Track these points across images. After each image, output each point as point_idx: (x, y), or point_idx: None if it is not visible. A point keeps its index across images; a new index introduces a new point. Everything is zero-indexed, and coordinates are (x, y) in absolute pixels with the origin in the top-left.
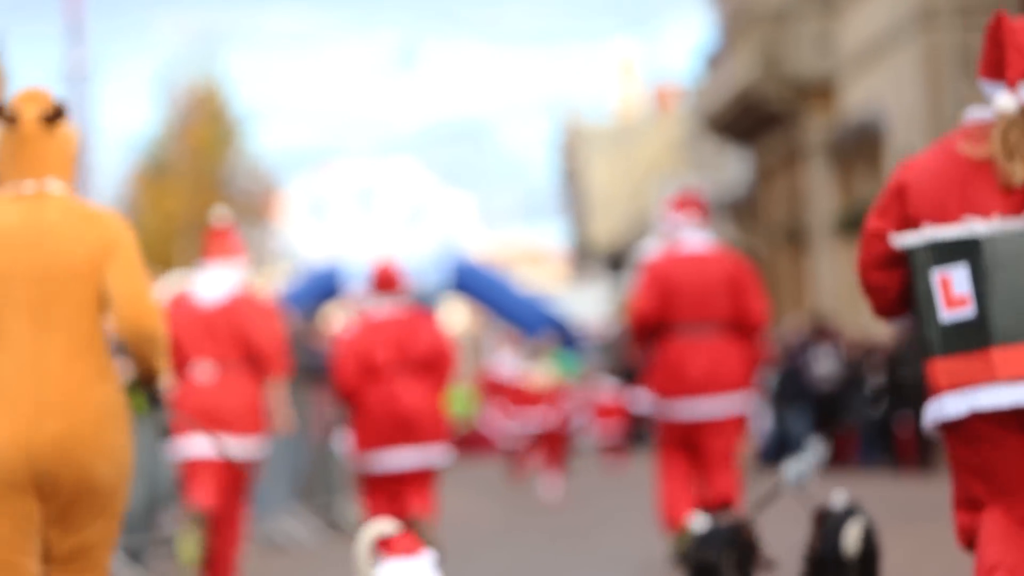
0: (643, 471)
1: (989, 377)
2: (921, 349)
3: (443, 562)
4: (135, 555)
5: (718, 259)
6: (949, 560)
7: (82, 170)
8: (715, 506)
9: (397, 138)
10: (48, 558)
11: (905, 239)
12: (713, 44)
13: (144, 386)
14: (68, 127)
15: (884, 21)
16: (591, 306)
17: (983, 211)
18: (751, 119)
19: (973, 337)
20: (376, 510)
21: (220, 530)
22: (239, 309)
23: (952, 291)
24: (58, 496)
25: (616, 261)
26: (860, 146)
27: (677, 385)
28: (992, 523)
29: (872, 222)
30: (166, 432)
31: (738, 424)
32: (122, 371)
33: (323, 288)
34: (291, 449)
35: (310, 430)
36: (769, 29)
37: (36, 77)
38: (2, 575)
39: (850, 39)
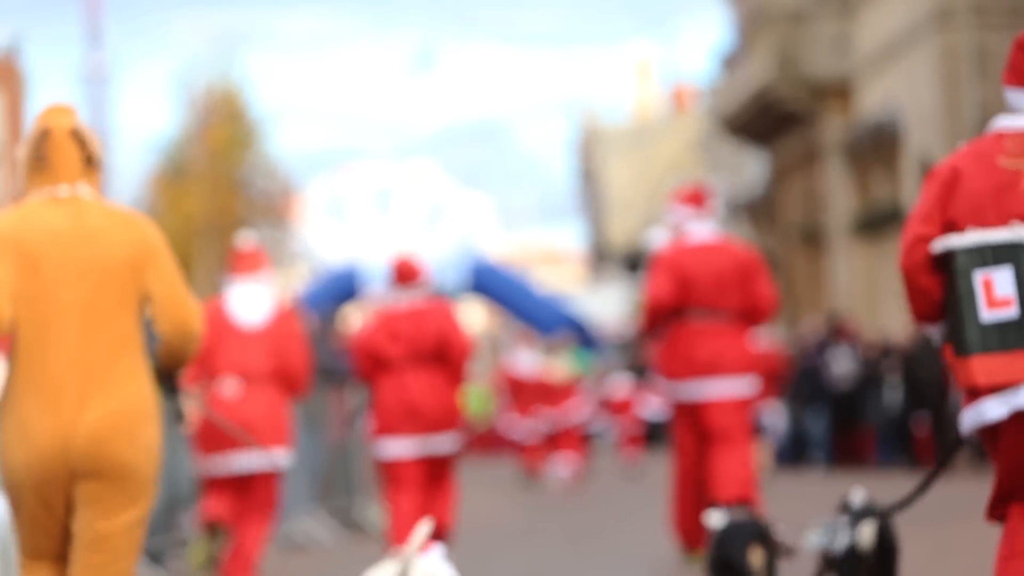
0: (658, 471)
1: None
2: (955, 349)
3: (462, 562)
4: (155, 557)
5: (727, 248)
6: (966, 561)
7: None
8: (733, 502)
9: (415, 139)
10: (81, 543)
11: (948, 241)
12: (729, 45)
13: (163, 377)
14: (94, 137)
15: (901, 21)
16: (608, 306)
17: (1022, 218)
18: (767, 120)
19: (1015, 337)
20: (394, 498)
21: (243, 536)
22: (278, 332)
23: (995, 292)
24: (94, 483)
25: (633, 262)
26: (877, 146)
27: (686, 367)
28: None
29: (917, 228)
30: (180, 417)
31: (745, 406)
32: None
33: (341, 289)
34: (310, 450)
35: (328, 431)
36: (786, 30)
37: (55, 79)
38: (35, 559)
39: (866, 39)
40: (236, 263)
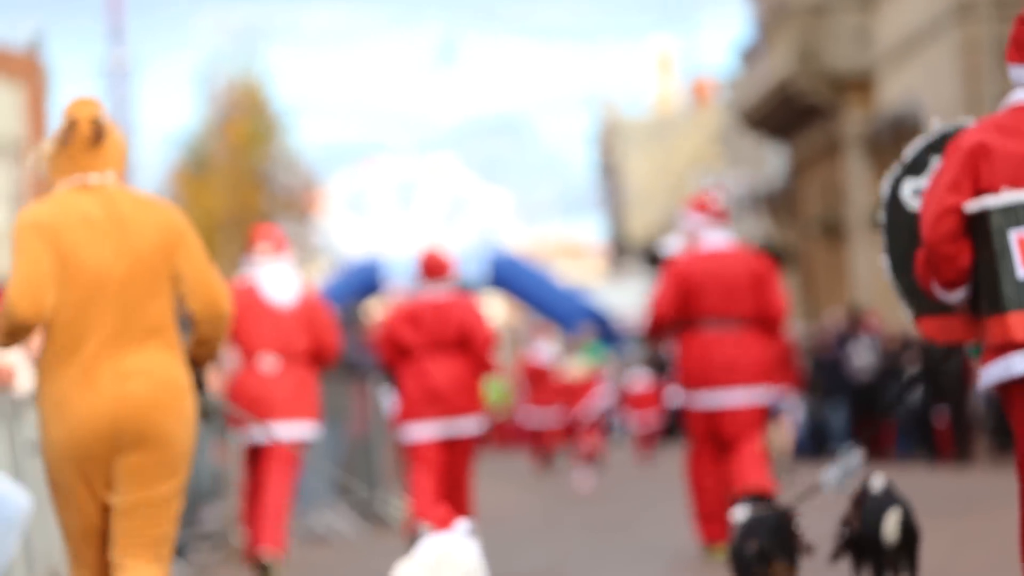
0: (676, 463)
1: None
2: (991, 306)
3: (483, 553)
4: (178, 550)
5: (739, 256)
6: (987, 553)
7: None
8: (755, 496)
9: (436, 133)
10: (120, 510)
11: (983, 202)
12: (750, 38)
13: (194, 368)
14: (117, 130)
15: (921, 14)
16: (628, 299)
17: None
18: (788, 113)
19: None
20: (417, 479)
21: (274, 497)
22: (310, 311)
23: None
24: (136, 455)
25: (653, 255)
26: (898, 139)
27: (702, 377)
28: None
29: (944, 198)
30: (207, 413)
31: (760, 414)
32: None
33: (363, 283)
34: (331, 443)
35: (350, 424)
36: (806, 23)
37: (77, 74)
38: (90, 531)
39: (887, 32)
40: (259, 240)
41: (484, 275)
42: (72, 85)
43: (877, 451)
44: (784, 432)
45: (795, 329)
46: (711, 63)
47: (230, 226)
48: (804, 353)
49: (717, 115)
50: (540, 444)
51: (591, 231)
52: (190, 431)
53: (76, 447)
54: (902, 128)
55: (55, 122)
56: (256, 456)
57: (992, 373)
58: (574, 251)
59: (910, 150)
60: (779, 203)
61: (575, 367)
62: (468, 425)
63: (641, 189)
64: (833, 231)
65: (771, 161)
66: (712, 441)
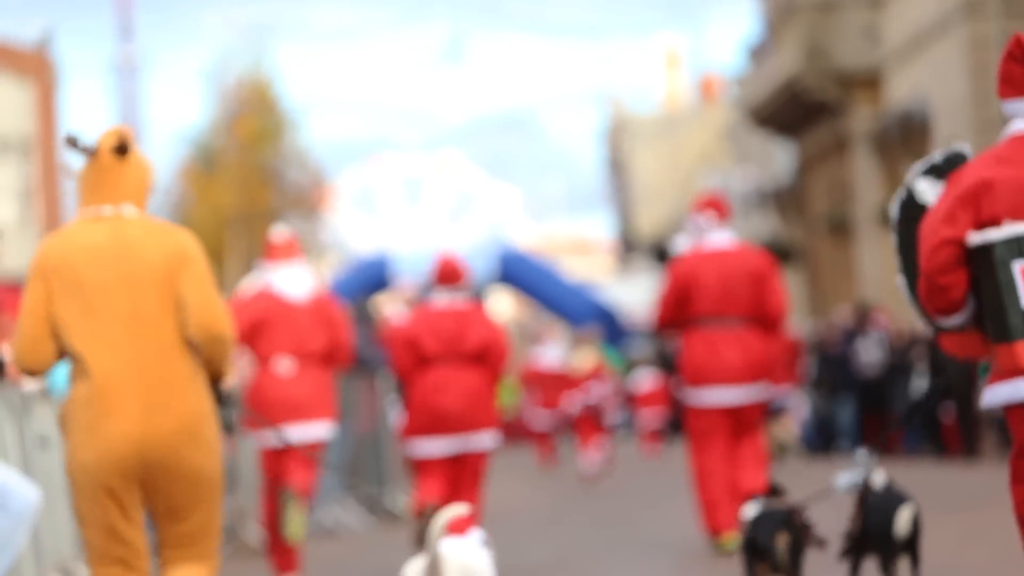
0: (682, 459)
1: None
2: (999, 336)
3: (492, 548)
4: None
5: (740, 255)
6: (994, 548)
7: None
8: (766, 492)
9: (444, 130)
10: (163, 544)
11: (986, 235)
12: (758, 36)
13: (212, 385)
14: (141, 159)
15: (929, 11)
16: (636, 296)
17: None
18: (795, 110)
19: None
20: (426, 491)
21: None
22: (325, 310)
23: None
24: (166, 487)
25: (660, 251)
26: (905, 136)
27: (703, 375)
28: None
29: (941, 231)
30: (231, 428)
31: (761, 411)
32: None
33: (372, 278)
34: (340, 439)
35: (358, 420)
36: (814, 20)
37: (87, 71)
38: (113, 546)
39: (895, 29)
40: (273, 251)
41: (492, 272)
42: (82, 82)
43: (884, 447)
44: (787, 429)
45: (802, 326)
46: (719, 60)
47: (239, 223)
48: (811, 349)
49: (724, 112)
50: (546, 444)
51: (599, 227)
52: (216, 458)
53: (107, 469)
54: (910, 125)
55: (64, 119)
56: (274, 457)
57: (1000, 393)
58: (582, 247)
59: (913, 174)
60: (787, 200)
61: (581, 362)
62: (482, 440)
63: (649, 185)
64: (840, 228)
65: (779, 158)
66: (714, 436)
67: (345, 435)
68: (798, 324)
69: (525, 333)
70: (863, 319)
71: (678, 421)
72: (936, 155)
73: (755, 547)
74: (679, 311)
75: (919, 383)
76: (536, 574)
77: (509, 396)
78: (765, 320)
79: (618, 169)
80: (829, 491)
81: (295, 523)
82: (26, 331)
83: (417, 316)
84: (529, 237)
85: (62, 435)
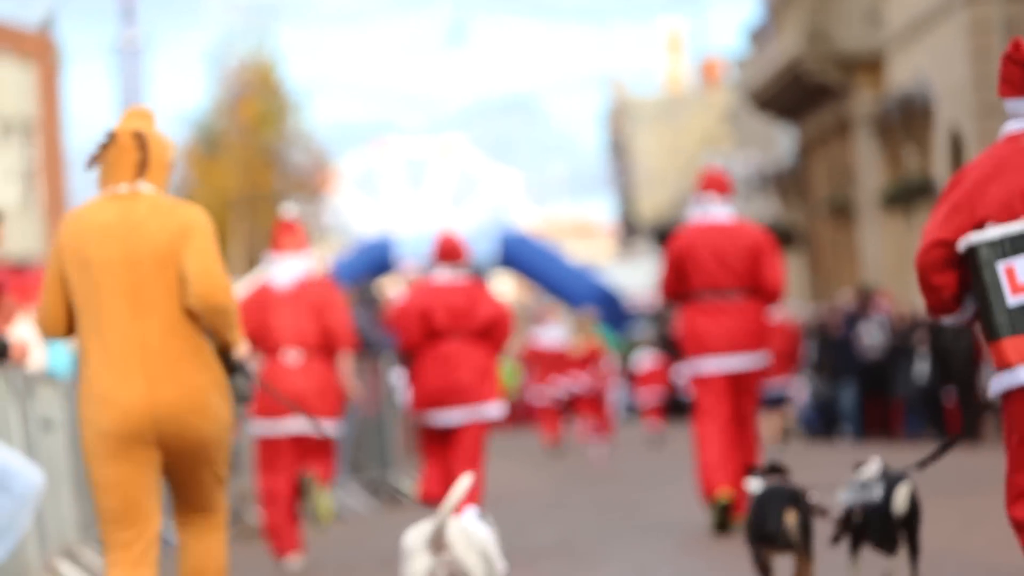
0: (683, 443)
1: None
2: (987, 335)
3: (492, 525)
4: None
5: (738, 229)
6: (996, 531)
7: None
8: (768, 469)
9: (447, 113)
10: (178, 508)
11: (971, 238)
12: (759, 19)
13: (222, 356)
14: (161, 138)
15: None
16: (638, 279)
17: None
18: (796, 93)
19: None
20: (431, 461)
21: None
22: (310, 292)
23: (1018, 279)
24: (174, 451)
25: (663, 235)
26: (907, 120)
27: (701, 344)
28: None
29: (933, 233)
30: (244, 397)
31: (755, 379)
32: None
33: (375, 260)
34: (344, 422)
35: (361, 403)
36: (816, 3)
37: (89, 53)
38: (127, 512)
39: (896, 12)
40: (279, 237)
41: (494, 254)
42: (84, 64)
43: (886, 430)
44: (788, 417)
45: (803, 310)
46: (721, 44)
47: (241, 205)
48: (812, 333)
49: (726, 95)
50: (548, 422)
51: (601, 211)
52: (223, 427)
53: (120, 434)
54: (912, 108)
55: (67, 102)
56: (272, 447)
57: (999, 383)
58: (584, 231)
59: None
60: (788, 183)
61: (581, 343)
62: (489, 411)
63: (650, 169)
64: (842, 211)
65: (780, 141)
66: (715, 404)
67: (348, 418)
68: (799, 308)
69: (527, 316)
70: (865, 303)
71: (677, 404)
72: None
73: (761, 527)
74: (679, 283)
75: (921, 367)
76: (539, 557)
77: (511, 378)
78: (762, 293)
79: (620, 152)
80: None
81: (323, 506)
82: (45, 302)
83: (424, 291)
84: (531, 220)
85: (77, 408)
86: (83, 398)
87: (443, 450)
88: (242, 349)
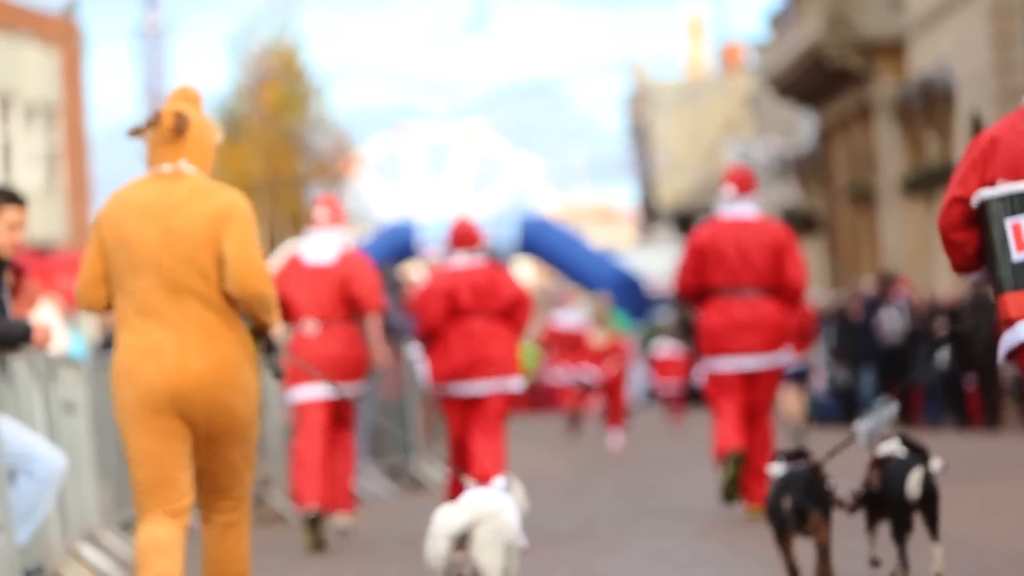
0: (702, 430)
1: None
2: (994, 288)
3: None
4: None
5: (760, 226)
6: (1017, 518)
7: None
8: (792, 454)
9: (469, 98)
10: (201, 486)
11: (982, 193)
12: (781, 4)
13: (257, 336)
14: (204, 120)
15: None
16: (659, 265)
17: None
18: (817, 79)
19: None
20: (455, 432)
21: (333, 457)
22: (341, 267)
23: None
24: (203, 426)
25: (684, 220)
26: (928, 105)
27: (718, 344)
28: None
29: (953, 190)
30: (278, 374)
31: (775, 377)
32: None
33: (397, 245)
34: (365, 405)
35: (383, 387)
36: None
37: (112, 37)
38: (159, 483)
39: None
40: (316, 213)
41: (515, 239)
42: (107, 48)
43: (906, 416)
44: (795, 401)
45: (823, 296)
46: (742, 29)
47: (263, 189)
48: (832, 319)
49: (747, 81)
50: (568, 405)
51: (622, 196)
52: (251, 401)
53: (147, 406)
54: (933, 94)
55: (90, 86)
56: (307, 413)
57: (1005, 343)
58: (605, 216)
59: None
60: (808, 169)
61: (600, 330)
62: (512, 383)
63: (671, 154)
64: (863, 197)
65: (801, 127)
66: (729, 392)
67: (369, 403)
68: (818, 294)
69: (548, 300)
70: (885, 289)
71: (697, 391)
72: None
73: (782, 509)
74: (697, 276)
75: (942, 352)
76: (559, 540)
77: (531, 360)
78: (783, 291)
79: (641, 137)
80: (851, 439)
81: (309, 539)
82: (85, 275)
83: (446, 274)
84: (552, 205)
85: (112, 384)
86: (114, 373)
87: (466, 420)
88: (277, 330)
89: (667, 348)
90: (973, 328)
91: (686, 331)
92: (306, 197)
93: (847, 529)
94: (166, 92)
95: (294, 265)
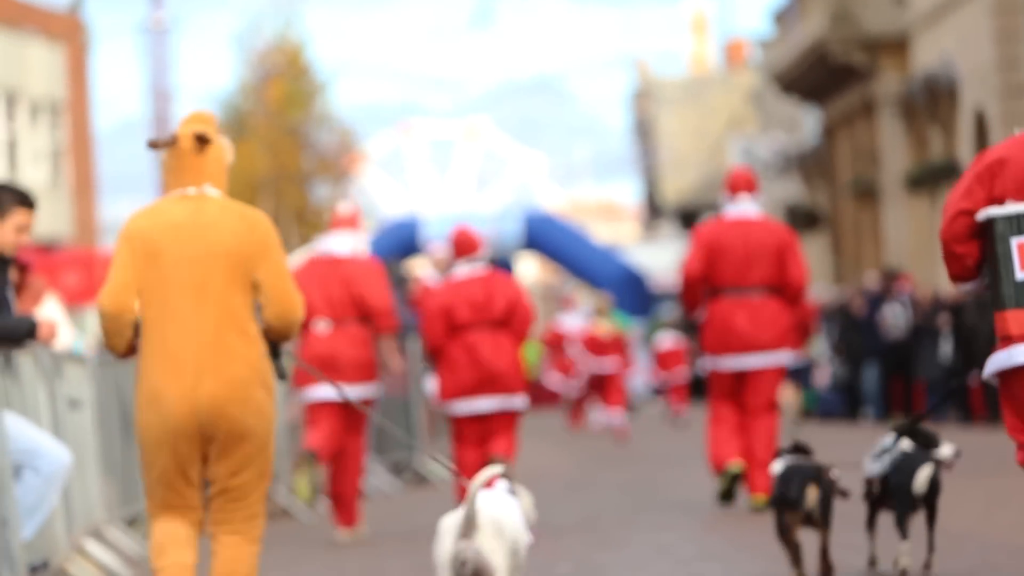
0: (704, 423)
1: None
2: (995, 304)
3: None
4: None
5: (763, 225)
6: (1020, 513)
7: (162, 126)
8: (792, 449)
9: (473, 94)
10: (215, 490)
11: (989, 211)
12: (783, 1)
13: (270, 343)
14: (221, 143)
15: None
16: (662, 261)
17: None
18: (821, 75)
19: None
20: (462, 450)
21: (341, 464)
22: (352, 270)
23: None
24: (216, 444)
25: (688, 216)
26: (932, 101)
27: (724, 343)
28: None
29: (957, 203)
30: (283, 376)
31: (778, 376)
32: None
33: (402, 241)
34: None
35: (388, 384)
36: None
37: (117, 34)
38: (176, 499)
39: None
40: (334, 215)
41: (518, 236)
42: (112, 45)
43: (909, 412)
44: (791, 396)
45: (826, 291)
46: (745, 25)
47: (268, 186)
48: (835, 315)
49: (751, 77)
50: (571, 410)
51: (626, 192)
52: (266, 420)
53: (167, 431)
54: (936, 90)
55: (95, 82)
56: (319, 413)
57: (996, 361)
58: (609, 212)
59: None
60: (812, 165)
61: (603, 327)
62: (517, 401)
63: (675, 150)
64: (866, 193)
65: (805, 123)
66: (728, 391)
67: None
68: (822, 289)
69: (552, 296)
70: (889, 284)
71: (700, 383)
72: None
73: (785, 500)
74: (705, 269)
75: (945, 348)
76: (563, 534)
77: (534, 356)
78: (786, 291)
79: (645, 133)
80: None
81: (302, 486)
82: (117, 279)
83: (445, 290)
84: (556, 201)
85: (136, 402)
86: (137, 388)
87: (477, 435)
88: (292, 342)
89: (669, 339)
90: (977, 324)
91: (689, 327)
92: (311, 194)
93: (848, 522)
94: (171, 89)
95: (312, 265)
